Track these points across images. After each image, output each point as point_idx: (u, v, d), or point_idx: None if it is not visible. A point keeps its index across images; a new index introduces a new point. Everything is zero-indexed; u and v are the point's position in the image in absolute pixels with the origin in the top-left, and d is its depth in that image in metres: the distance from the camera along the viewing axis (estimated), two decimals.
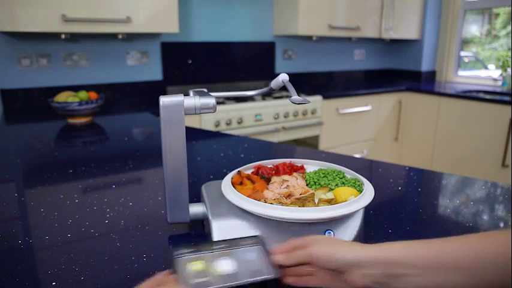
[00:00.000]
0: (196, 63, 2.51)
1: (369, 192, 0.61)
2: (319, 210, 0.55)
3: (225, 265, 0.44)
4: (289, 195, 0.63)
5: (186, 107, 0.60)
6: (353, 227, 0.62)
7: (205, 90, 0.70)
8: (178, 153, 0.61)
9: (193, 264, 0.43)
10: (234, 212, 0.61)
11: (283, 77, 0.68)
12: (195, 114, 0.61)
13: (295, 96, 0.61)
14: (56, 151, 1.28)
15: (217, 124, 2.07)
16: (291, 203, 0.60)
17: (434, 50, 3.32)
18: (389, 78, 3.53)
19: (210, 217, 0.60)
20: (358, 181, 0.67)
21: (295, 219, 0.55)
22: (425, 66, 3.29)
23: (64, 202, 0.81)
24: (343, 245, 0.45)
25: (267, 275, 0.44)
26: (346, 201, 0.59)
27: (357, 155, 2.61)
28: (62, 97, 1.61)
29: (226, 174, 0.76)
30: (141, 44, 2.30)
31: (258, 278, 0.44)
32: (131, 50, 2.28)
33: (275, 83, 0.70)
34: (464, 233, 0.70)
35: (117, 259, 0.60)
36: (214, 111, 0.61)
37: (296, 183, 0.67)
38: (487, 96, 2.60)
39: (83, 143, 1.41)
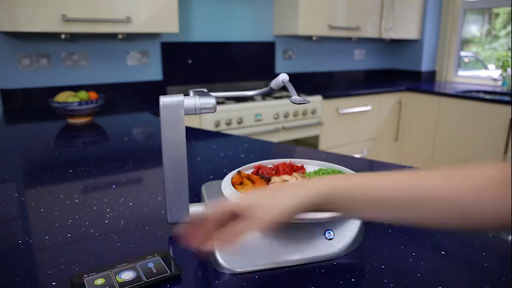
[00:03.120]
0: (196, 63, 2.51)
1: None
2: None
3: (126, 275, 0.53)
4: None
5: (186, 107, 0.60)
6: (353, 227, 0.62)
7: (205, 90, 0.70)
8: (178, 153, 0.61)
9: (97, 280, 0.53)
10: None
11: (283, 77, 0.68)
12: (195, 114, 0.61)
13: (295, 96, 0.61)
14: (56, 151, 1.28)
15: (217, 124, 2.07)
16: None
17: (434, 50, 3.32)
18: (389, 78, 3.53)
19: None
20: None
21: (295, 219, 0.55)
22: (425, 66, 3.29)
23: (64, 202, 0.81)
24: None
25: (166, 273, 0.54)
26: None
27: (357, 155, 2.61)
28: (62, 97, 1.61)
29: (226, 174, 0.76)
30: (141, 44, 2.30)
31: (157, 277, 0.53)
32: (131, 50, 2.28)
33: (275, 83, 0.70)
34: (465, 233, 0.70)
35: (117, 259, 0.60)
36: (214, 111, 0.61)
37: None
38: (487, 96, 2.60)
39: (83, 143, 1.41)
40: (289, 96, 0.63)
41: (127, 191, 0.89)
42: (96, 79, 2.21)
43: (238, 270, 0.56)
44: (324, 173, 0.70)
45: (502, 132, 2.35)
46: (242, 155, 1.17)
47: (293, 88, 0.64)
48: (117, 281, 0.52)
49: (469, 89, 2.87)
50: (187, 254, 0.61)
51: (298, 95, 0.61)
